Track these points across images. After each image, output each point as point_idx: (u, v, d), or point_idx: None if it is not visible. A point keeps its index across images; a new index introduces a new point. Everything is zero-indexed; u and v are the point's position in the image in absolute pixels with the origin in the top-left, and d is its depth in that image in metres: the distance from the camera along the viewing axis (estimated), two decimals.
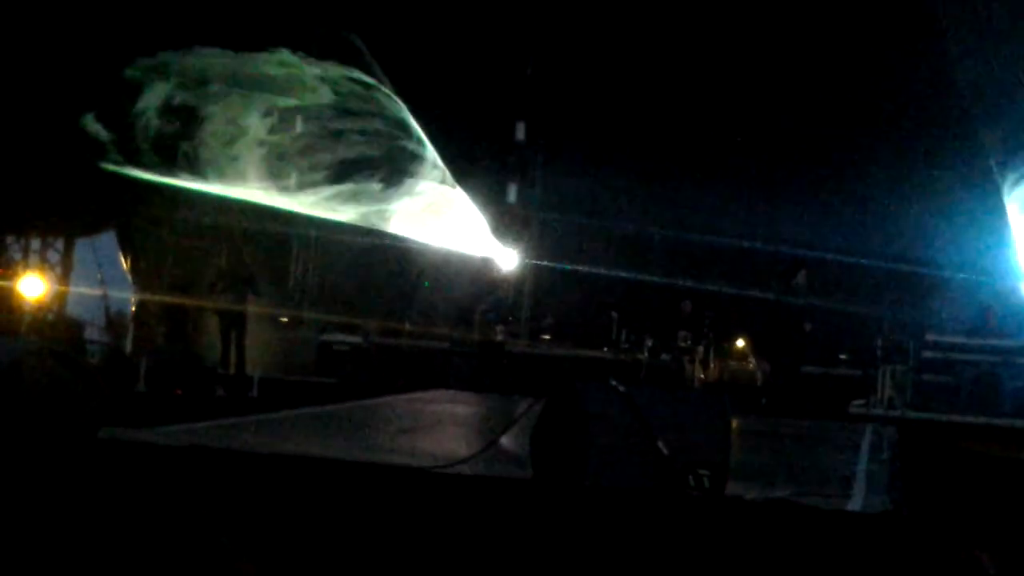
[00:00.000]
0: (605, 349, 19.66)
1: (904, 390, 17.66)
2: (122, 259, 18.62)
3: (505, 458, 10.26)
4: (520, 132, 21.05)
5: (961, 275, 18.55)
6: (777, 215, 19.36)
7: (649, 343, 18.96)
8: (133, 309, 18.45)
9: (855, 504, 9.71)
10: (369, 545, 8.29)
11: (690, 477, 8.57)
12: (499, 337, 19.08)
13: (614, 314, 19.67)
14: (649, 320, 19.36)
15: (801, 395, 18.30)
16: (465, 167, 19.59)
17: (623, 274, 19.94)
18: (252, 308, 17.20)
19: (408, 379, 17.97)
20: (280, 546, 8.26)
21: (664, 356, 18.92)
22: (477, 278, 20.27)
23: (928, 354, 17.85)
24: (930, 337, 18.02)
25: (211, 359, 16.66)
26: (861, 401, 17.93)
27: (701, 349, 18.79)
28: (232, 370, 16.79)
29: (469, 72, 19.24)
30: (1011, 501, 10.84)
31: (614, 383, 8.49)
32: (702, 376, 18.56)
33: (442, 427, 13.80)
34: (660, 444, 8.48)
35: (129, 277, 18.69)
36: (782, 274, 18.33)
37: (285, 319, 19.56)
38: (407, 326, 20.31)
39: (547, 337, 20.90)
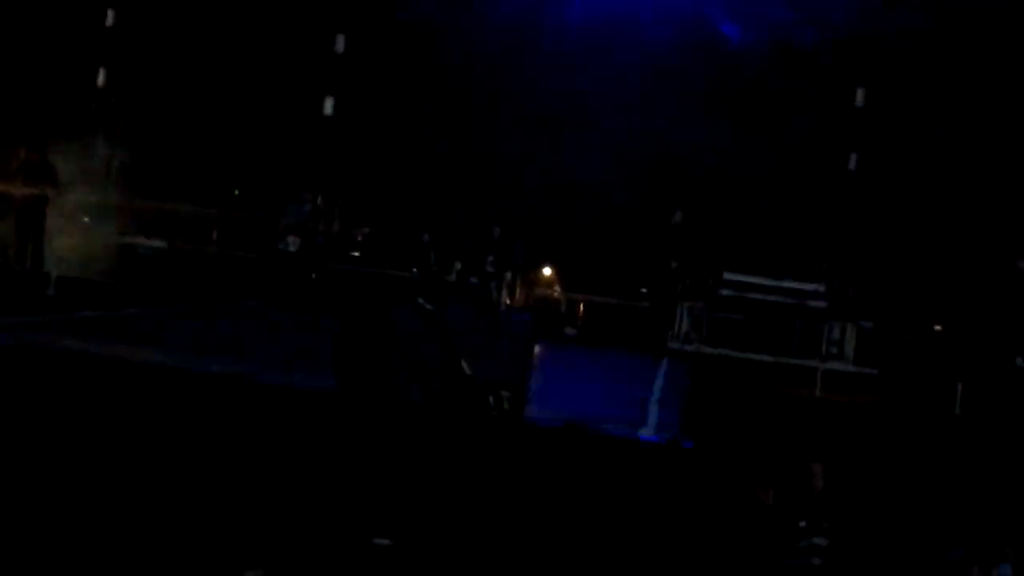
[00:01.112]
0: (414, 270, 19.69)
1: (700, 326, 18.18)
2: None
3: (310, 371, 10.25)
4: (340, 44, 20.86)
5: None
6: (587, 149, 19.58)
7: (458, 266, 19.09)
8: None
9: (644, 432, 10.07)
10: (172, 449, 8.25)
11: (491, 398, 8.74)
12: (293, 249, 18.81)
13: (425, 236, 19.70)
14: (460, 244, 19.47)
15: (603, 325, 18.71)
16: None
17: (436, 197, 19.99)
18: (52, 204, 16.66)
19: (214, 287, 17.70)
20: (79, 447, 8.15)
21: (472, 279, 19.07)
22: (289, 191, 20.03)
23: (724, 292, 18.36)
24: (728, 276, 18.53)
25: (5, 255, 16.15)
26: (660, 334, 18.40)
27: (508, 275, 19.02)
28: (29, 266, 16.29)
29: None
30: (794, 438, 11.37)
31: (421, 302, 8.54)
32: (508, 301, 18.80)
33: (246, 339, 13.71)
34: (464, 364, 8.60)
35: None
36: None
37: (87, 219, 18.99)
38: (216, 234, 19.94)
39: (356, 254, 20.81)
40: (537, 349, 11.58)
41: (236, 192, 20.21)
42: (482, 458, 8.26)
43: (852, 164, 19.92)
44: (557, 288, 20.09)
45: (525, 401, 9.13)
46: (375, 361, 8.70)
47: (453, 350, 8.45)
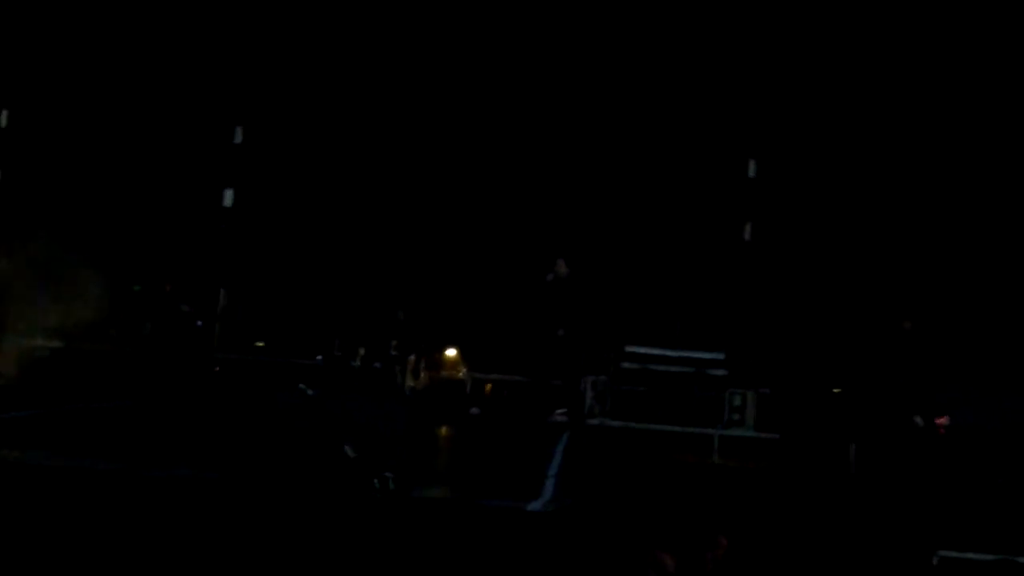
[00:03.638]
0: (318, 357, 19.72)
1: (604, 399, 18.36)
2: None
3: (201, 460, 10.25)
4: (238, 135, 20.99)
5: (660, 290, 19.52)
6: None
7: (362, 351, 19.16)
8: None
9: (537, 504, 10.15)
10: (69, 546, 8.21)
11: (375, 480, 8.81)
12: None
13: (328, 323, 19.78)
14: (363, 329, 19.55)
15: (508, 403, 18.81)
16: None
17: (339, 284, 20.10)
18: None
19: (114, 386, 17.52)
20: None
21: (376, 364, 19.14)
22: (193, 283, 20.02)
23: (627, 365, 18.62)
24: (629, 348, 18.80)
25: None
26: (563, 410, 18.54)
27: (412, 358, 19.08)
28: None
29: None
30: (695, 505, 11.55)
31: (302, 387, 8.66)
32: (412, 384, 18.86)
33: (136, 435, 13.59)
34: (346, 448, 8.69)
35: None
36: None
37: None
38: (115, 332, 19.80)
39: (261, 344, 20.81)
40: (444, 429, 11.68)
41: (136, 288, 20.14)
42: (368, 538, 8.31)
43: (747, 234, 20.36)
44: (463, 369, 20.19)
45: (411, 481, 9.19)
46: (259, 447, 8.77)
47: (334, 433, 8.55)
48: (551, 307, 17.81)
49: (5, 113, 20.88)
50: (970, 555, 9.44)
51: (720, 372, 18.71)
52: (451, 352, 20.19)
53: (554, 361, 19.05)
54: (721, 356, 19.00)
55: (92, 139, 20.41)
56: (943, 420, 15.97)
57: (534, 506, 10.04)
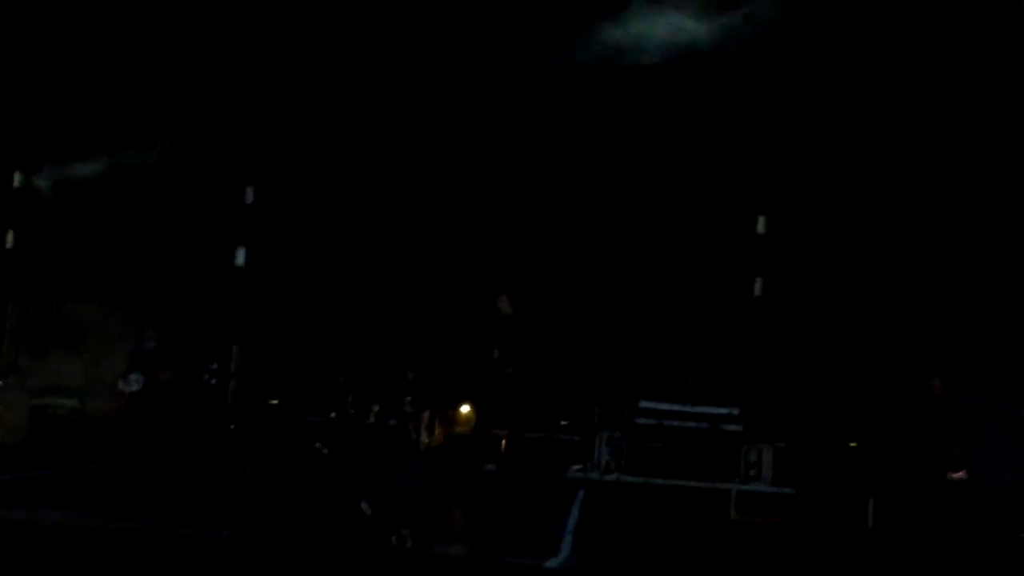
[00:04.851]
0: (332, 414, 19.73)
1: (619, 455, 18.29)
2: None
3: (215, 521, 10.20)
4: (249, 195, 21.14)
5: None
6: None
7: (375, 408, 19.16)
8: None
9: (555, 562, 10.08)
10: None
11: (393, 537, 8.77)
12: (136, 387, 17.95)
13: (341, 379, 19.79)
14: (377, 386, 19.56)
15: (524, 460, 18.75)
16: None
17: (352, 341, 20.15)
18: None
19: (130, 445, 17.50)
20: None
21: (390, 421, 19.13)
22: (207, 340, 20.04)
23: (642, 420, 18.55)
24: (644, 404, 18.75)
25: None
26: (579, 465, 18.49)
27: (426, 415, 19.08)
28: None
29: None
30: (715, 562, 11.46)
31: (318, 446, 8.64)
32: (426, 441, 18.84)
33: (155, 494, 13.56)
34: (363, 505, 8.65)
35: None
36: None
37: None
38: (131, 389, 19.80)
39: (275, 402, 20.83)
40: (455, 485, 11.63)
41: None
42: None
43: (757, 290, 20.37)
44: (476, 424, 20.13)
45: (430, 538, 9.15)
46: (274, 504, 8.74)
47: (350, 491, 8.52)
48: (493, 344, 17.44)
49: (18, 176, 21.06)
50: None
51: (735, 427, 18.64)
52: (465, 408, 20.15)
53: (572, 418, 19.03)
54: (736, 411, 18.94)
55: (105, 198, 20.55)
56: (961, 475, 15.89)
57: (552, 563, 9.98)
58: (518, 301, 17.79)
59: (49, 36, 20.43)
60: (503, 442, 19.92)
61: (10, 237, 20.77)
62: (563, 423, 20.35)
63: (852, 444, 19.08)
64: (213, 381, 19.08)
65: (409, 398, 19.09)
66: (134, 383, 16.69)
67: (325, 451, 8.60)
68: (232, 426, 19.45)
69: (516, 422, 18.00)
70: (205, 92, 20.49)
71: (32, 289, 20.43)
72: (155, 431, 16.28)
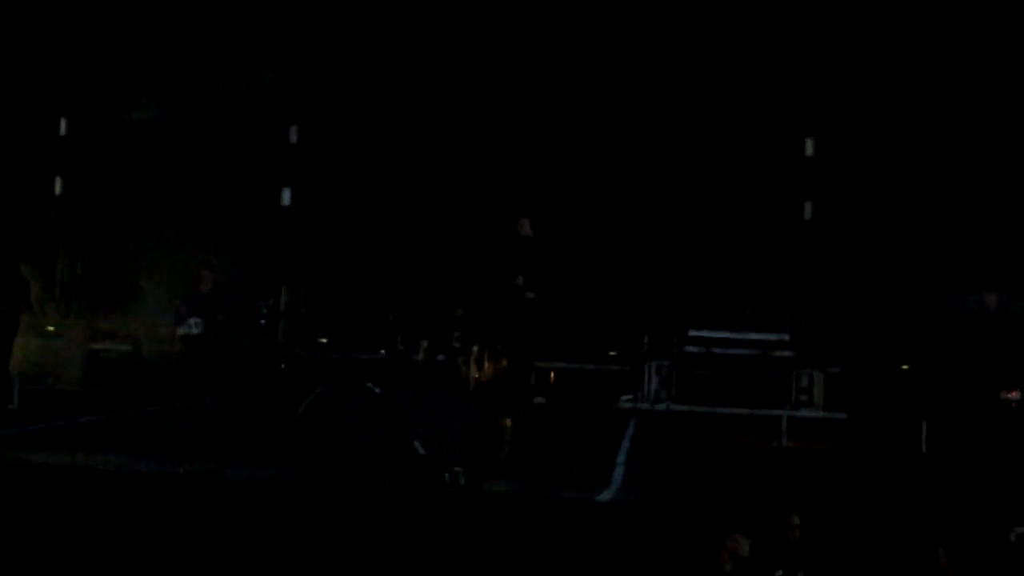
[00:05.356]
0: (382, 351, 19.78)
1: (669, 384, 18.27)
2: None
3: (270, 460, 10.33)
4: (293, 135, 21.12)
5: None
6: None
7: (424, 344, 19.15)
8: None
9: (607, 495, 10.12)
10: (141, 552, 8.30)
11: (446, 475, 8.83)
12: (196, 331, 17.88)
13: (390, 317, 19.80)
14: (424, 322, 19.56)
15: (574, 392, 18.77)
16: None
17: (399, 278, 20.16)
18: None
19: (178, 389, 17.63)
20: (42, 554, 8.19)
21: (439, 357, 19.13)
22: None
23: (691, 349, 18.52)
24: (692, 332, 18.69)
25: None
26: (629, 396, 18.50)
27: (475, 349, 19.04)
28: None
29: None
30: (767, 488, 11.46)
31: (369, 385, 8.68)
32: (476, 376, 18.83)
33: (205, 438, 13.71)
34: (416, 444, 8.71)
35: None
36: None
37: (52, 327, 19.09)
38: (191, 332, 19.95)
39: (324, 340, 20.91)
40: (507, 422, 11.68)
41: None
42: (439, 532, 8.33)
43: (807, 213, 20.17)
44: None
45: (481, 475, 9.20)
46: (329, 446, 8.81)
47: (403, 430, 8.56)
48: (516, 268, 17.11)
49: (64, 123, 21.15)
50: None
51: (786, 353, 18.56)
52: None
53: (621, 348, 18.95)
54: (786, 337, 18.84)
55: (151, 144, 20.64)
56: (1015, 394, 15.76)
57: (604, 496, 10.02)
58: (558, 228, 17.68)
59: None
60: (551, 375, 19.94)
61: (58, 184, 20.91)
62: (612, 353, 20.30)
63: (904, 367, 18.93)
64: (263, 322, 19.17)
65: (458, 333, 19.07)
66: (194, 326, 16.75)
67: (377, 391, 8.64)
68: (283, 365, 19.57)
69: (530, 350, 17.63)
70: (248, 37, 20.45)
71: (84, 236, 20.58)
72: (213, 373, 16.38)
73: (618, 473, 11.51)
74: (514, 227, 17.10)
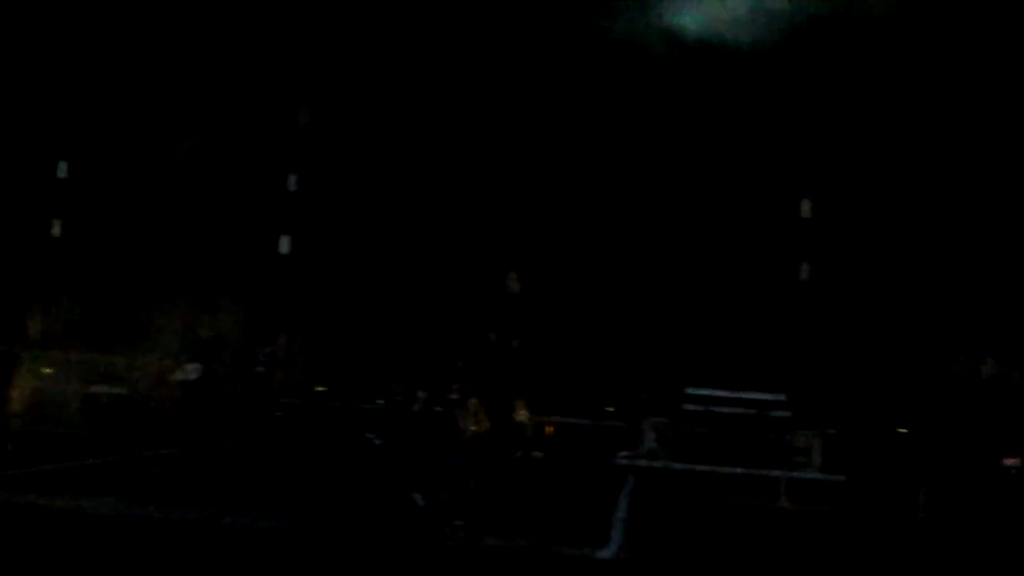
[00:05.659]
0: (379, 402, 19.73)
1: (666, 441, 18.23)
2: None
3: (259, 511, 10.22)
4: (292, 183, 21.16)
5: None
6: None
7: (422, 395, 19.11)
8: None
9: (607, 552, 10.03)
10: None
11: (446, 528, 8.76)
12: (194, 376, 17.90)
13: (389, 367, 19.78)
14: (423, 372, 19.53)
15: (571, 447, 18.71)
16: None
17: (397, 328, 20.13)
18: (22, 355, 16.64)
19: (175, 435, 17.55)
20: None
21: (437, 408, 19.08)
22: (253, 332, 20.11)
23: (689, 406, 18.49)
24: (690, 390, 18.68)
25: None
26: (627, 452, 18.44)
27: (473, 401, 18.99)
28: None
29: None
30: (767, 548, 11.39)
31: (369, 436, 8.65)
32: (473, 428, 18.76)
33: (198, 485, 13.61)
34: (415, 496, 8.65)
35: None
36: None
37: (49, 369, 19.04)
38: (190, 379, 19.89)
39: (322, 389, 20.85)
40: (503, 473, 11.60)
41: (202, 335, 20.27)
42: None
43: (804, 274, 20.21)
44: (523, 412, 20.07)
45: (482, 529, 9.12)
46: (328, 494, 8.75)
47: (402, 482, 8.51)
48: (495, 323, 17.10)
49: (64, 165, 21.19)
50: None
51: (783, 413, 18.53)
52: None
53: (619, 405, 18.90)
54: (783, 397, 18.82)
55: (150, 190, 20.67)
56: (1014, 461, 15.71)
57: (603, 554, 9.93)
58: (558, 283, 17.67)
59: (94, 33, 20.57)
60: (549, 429, 19.88)
61: (57, 227, 20.92)
62: (609, 409, 20.27)
63: (902, 430, 18.89)
64: (260, 370, 19.13)
65: (456, 385, 19.02)
66: (192, 372, 16.75)
67: (377, 442, 8.58)
68: (278, 414, 19.49)
69: (508, 398, 17.50)
70: (242, 84, 20.55)
71: (83, 279, 20.56)
72: (210, 419, 16.33)
73: (617, 530, 11.41)
74: (503, 282, 17.08)
